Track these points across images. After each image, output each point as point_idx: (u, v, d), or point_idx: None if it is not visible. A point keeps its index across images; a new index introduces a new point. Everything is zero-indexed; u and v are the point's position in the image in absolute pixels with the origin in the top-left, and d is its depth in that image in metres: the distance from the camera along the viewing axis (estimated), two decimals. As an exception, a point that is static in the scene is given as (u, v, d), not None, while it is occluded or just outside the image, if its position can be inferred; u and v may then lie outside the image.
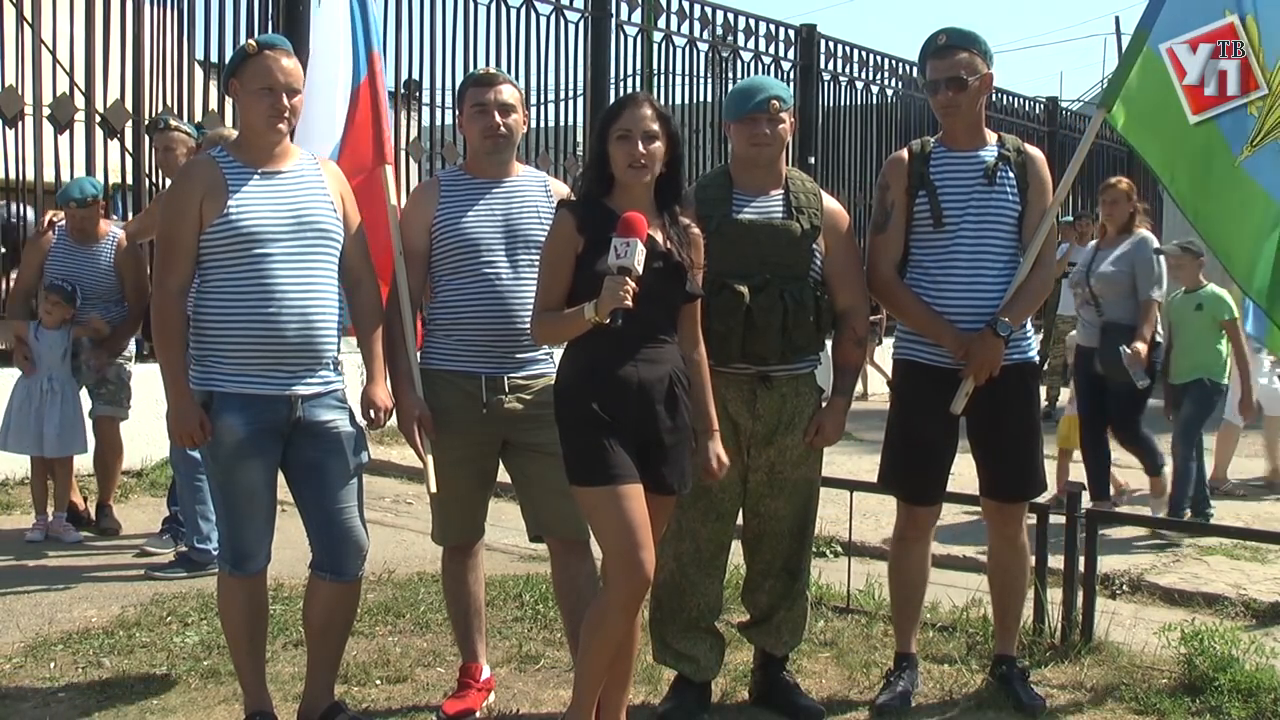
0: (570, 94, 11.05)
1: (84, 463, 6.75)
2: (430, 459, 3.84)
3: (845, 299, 3.99)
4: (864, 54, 14.12)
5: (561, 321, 3.40)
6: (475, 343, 3.82)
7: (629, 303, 3.20)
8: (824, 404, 4.05)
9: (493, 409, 3.80)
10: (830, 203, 4.01)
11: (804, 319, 3.83)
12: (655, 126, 3.39)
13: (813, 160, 12.87)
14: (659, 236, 3.41)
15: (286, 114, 3.53)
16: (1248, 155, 4.31)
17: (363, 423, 3.75)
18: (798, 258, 3.87)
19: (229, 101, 8.27)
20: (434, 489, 3.86)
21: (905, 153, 4.14)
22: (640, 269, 3.21)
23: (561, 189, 4.02)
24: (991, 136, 4.12)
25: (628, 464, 3.33)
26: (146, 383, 6.32)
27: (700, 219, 3.78)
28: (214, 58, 8.79)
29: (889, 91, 14.63)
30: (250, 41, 3.65)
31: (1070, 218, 12.82)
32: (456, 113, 4.05)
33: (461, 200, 3.87)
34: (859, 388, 13.02)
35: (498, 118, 3.85)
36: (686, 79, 12.02)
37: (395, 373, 3.83)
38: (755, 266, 3.80)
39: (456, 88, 4.15)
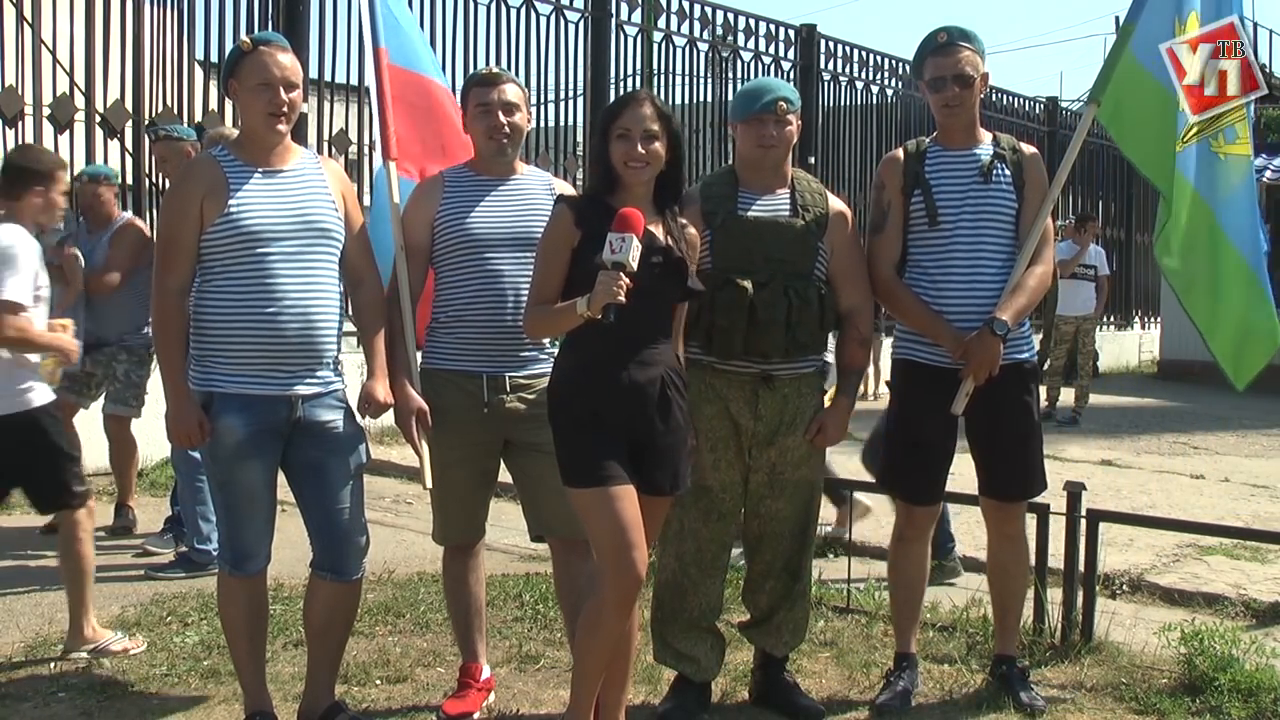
0: (570, 94, 11.06)
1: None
2: (427, 455, 3.84)
3: (849, 299, 3.98)
4: (864, 54, 14.12)
5: (554, 315, 3.40)
6: (477, 341, 3.82)
7: (622, 298, 3.19)
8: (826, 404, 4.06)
9: (494, 408, 3.80)
10: (835, 203, 4.01)
11: (808, 315, 3.83)
12: (655, 126, 3.39)
13: (813, 160, 12.87)
14: (659, 233, 3.42)
15: (285, 108, 3.52)
16: (1179, 150, 4.34)
17: (362, 421, 3.75)
18: (802, 254, 3.87)
19: (229, 101, 8.29)
20: (429, 485, 3.87)
21: (900, 152, 4.15)
22: (635, 265, 3.20)
23: (566, 189, 4.02)
24: (986, 135, 4.13)
25: (619, 465, 3.33)
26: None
27: (705, 215, 3.78)
28: (214, 58, 8.79)
29: (889, 91, 14.63)
30: (245, 39, 3.65)
31: (1070, 218, 12.85)
32: (461, 112, 4.05)
33: (465, 198, 3.87)
34: (861, 387, 13.02)
35: (501, 117, 3.85)
36: (686, 79, 12.03)
37: (393, 368, 3.83)
38: (760, 262, 3.81)
39: (457, 87, 4.16)
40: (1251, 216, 4.50)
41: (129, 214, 6.58)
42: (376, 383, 3.71)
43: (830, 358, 4.11)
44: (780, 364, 3.87)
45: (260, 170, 3.55)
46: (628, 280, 3.19)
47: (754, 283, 3.78)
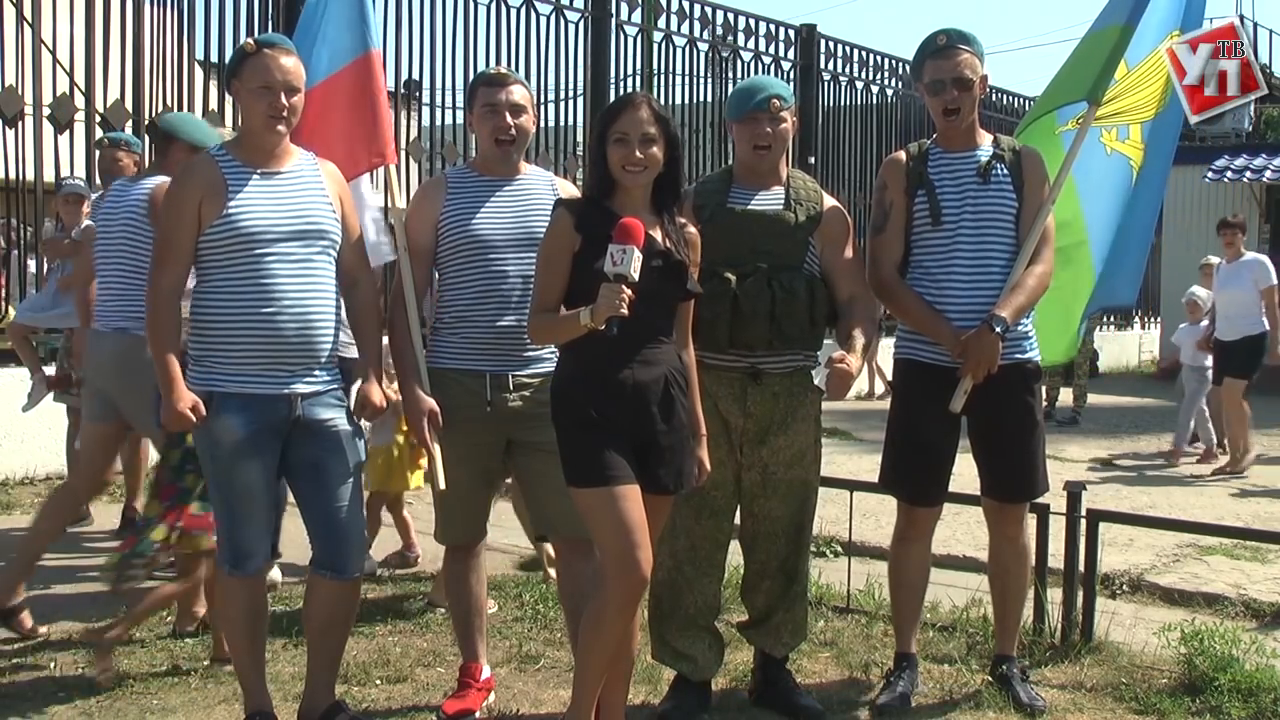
0: (570, 94, 11.07)
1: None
2: (439, 455, 3.83)
3: (848, 289, 3.96)
4: (864, 54, 14.14)
5: (557, 324, 3.40)
6: (480, 341, 3.82)
7: (625, 311, 3.19)
8: (823, 401, 4.05)
9: (497, 407, 3.80)
10: (830, 200, 4.02)
11: (794, 307, 3.82)
12: (653, 129, 3.39)
13: (813, 160, 12.88)
14: (658, 235, 3.41)
15: (285, 112, 3.52)
16: (1070, 129, 4.35)
17: (363, 424, 3.75)
18: (791, 248, 3.87)
19: (229, 101, 8.29)
20: (442, 485, 3.86)
21: (902, 154, 4.15)
22: (637, 276, 3.21)
23: (569, 188, 4.02)
24: (986, 137, 4.13)
25: (623, 465, 3.33)
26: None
27: (695, 209, 3.79)
28: (214, 58, 8.80)
29: (889, 91, 14.64)
30: (249, 40, 3.65)
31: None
32: (466, 111, 4.05)
33: (469, 198, 3.87)
34: (865, 387, 13.05)
35: (509, 119, 3.85)
36: (686, 79, 12.04)
37: (402, 369, 3.82)
38: (746, 255, 3.81)
39: (457, 87, 4.15)
40: (1112, 216, 4.49)
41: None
42: (372, 385, 3.72)
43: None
44: (766, 357, 3.87)
45: (258, 171, 3.55)
46: (630, 292, 3.19)
47: (738, 274, 3.78)
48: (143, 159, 7.86)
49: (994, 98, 15.36)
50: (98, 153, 6.68)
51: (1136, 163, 4.52)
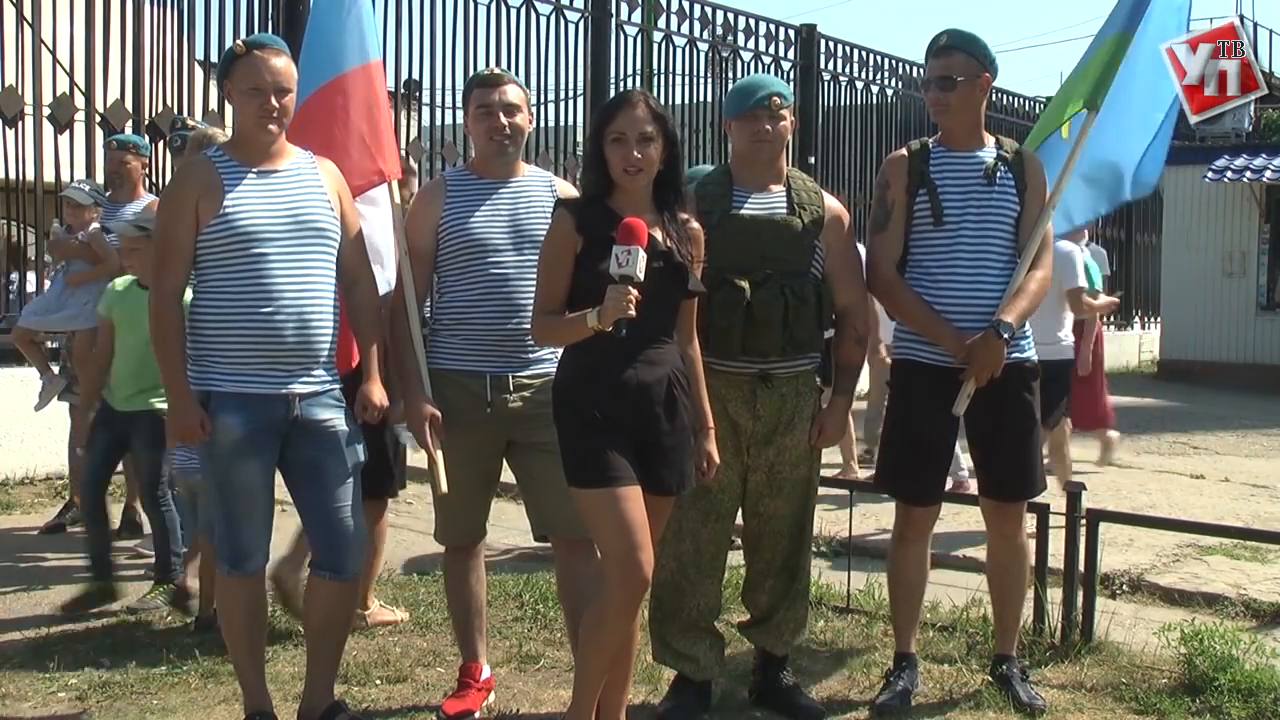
0: (570, 94, 11.06)
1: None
2: (440, 460, 3.83)
3: (845, 297, 3.99)
4: (864, 54, 14.13)
5: (563, 326, 3.39)
6: (481, 342, 3.82)
7: (632, 312, 3.19)
8: (824, 404, 4.06)
9: (497, 408, 3.80)
10: (831, 201, 4.02)
11: (805, 314, 3.83)
12: (650, 128, 3.37)
13: (813, 160, 12.86)
14: (659, 235, 3.40)
15: (276, 113, 3.53)
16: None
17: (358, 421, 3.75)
18: (799, 253, 3.88)
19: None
20: (444, 489, 3.86)
21: (905, 151, 4.15)
22: (642, 276, 3.20)
23: (567, 189, 4.02)
24: (989, 138, 4.13)
25: (625, 466, 3.32)
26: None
27: (701, 215, 3.78)
28: (214, 58, 8.79)
29: (889, 91, 14.64)
30: (238, 42, 3.66)
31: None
32: (463, 113, 4.05)
33: (468, 200, 3.87)
34: (865, 386, 13.00)
35: (503, 118, 3.85)
36: (686, 79, 12.03)
37: (404, 372, 3.82)
38: (756, 261, 3.81)
39: (457, 87, 4.15)
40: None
41: (153, 196, 6.56)
42: (374, 385, 3.72)
43: None
44: (778, 362, 3.88)
45: (255, 170, 3.55)
46: (636, 293, 3.19)
47: (751, 282, 3.78)
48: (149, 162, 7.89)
49: (994, 97, 15.32)
50: (104, 155, 6.67)
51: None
